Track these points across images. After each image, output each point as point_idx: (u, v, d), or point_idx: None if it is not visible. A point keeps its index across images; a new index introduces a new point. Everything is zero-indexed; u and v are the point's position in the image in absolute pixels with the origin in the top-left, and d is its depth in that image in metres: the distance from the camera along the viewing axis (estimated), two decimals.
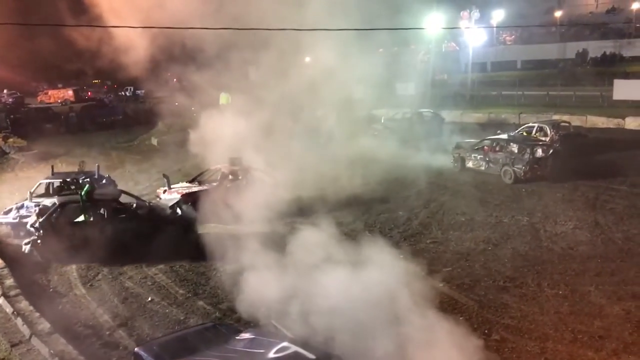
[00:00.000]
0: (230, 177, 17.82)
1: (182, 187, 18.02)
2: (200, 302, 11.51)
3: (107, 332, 10.48)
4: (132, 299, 11.93)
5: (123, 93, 65.12)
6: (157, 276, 13.04)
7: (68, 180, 16.83)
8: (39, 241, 13.89)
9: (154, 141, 32.92)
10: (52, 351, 9.28)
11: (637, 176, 19.52)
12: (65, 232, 14.01)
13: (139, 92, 57.72)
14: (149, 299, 11.82)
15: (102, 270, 13.46)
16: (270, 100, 14.61)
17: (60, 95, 62.92)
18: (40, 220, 14.03)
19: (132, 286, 12.57)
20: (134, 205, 15.51)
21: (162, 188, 18.28)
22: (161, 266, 13.59)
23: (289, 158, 18.30)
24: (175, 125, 31.78)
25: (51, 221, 14.05)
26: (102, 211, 14.69)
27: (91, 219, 14.36)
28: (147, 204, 16.20)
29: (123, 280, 12.91)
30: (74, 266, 13.79)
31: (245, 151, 16.99)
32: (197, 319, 10.74)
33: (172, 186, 18.04)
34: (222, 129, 16.25)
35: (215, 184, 17.78)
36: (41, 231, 13.87)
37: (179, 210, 15.59)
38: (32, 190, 16.91)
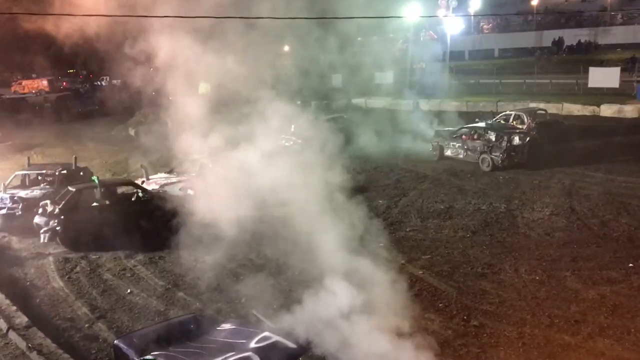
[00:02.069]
0: (209, 167, 17.69)
1: (161, 178, 17.88)
2: (181, 293, 11.46)
3: (86, 325, 10.38)
4: (111, 291, 11.83)
5: (99, 83, 64.15)
6: (137, 268, 12.94)
7: (64, 171, 16.93)
8: (58, 228, 13.86)
9: (131, 131, 32.57)
10: (30, 345, 9.19)
11: (612, 163, 19.86)
12: (84, 217, 14.02)
13: (115, 81, 56.93)
14: (128, 290, 11.74)
15: (80, 263, 13.34)
16: (246, 90, 14.47)
17: (35, 85, 61.68)
18: (60, 206, 14.03)
19: (110, 278, 12.46)
20: (140, 190, 15.59)
21: (140, 179, 18.10)
22: (140, 257, 13.51)
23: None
24: (152, 115, 31.46)
25: (70, 207, 14.07)
26: (115, 195, 15.07)
27: (107, 202, 14.37)
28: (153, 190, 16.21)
29: (101, 273, 12.79)
30: (51, 258, 13.66)
31: (218, 141, 16.91)
32: (177, 310, 10.69)
33: (150, 177, 17.89)
34: (197, 119, 16.12)
35: (193, 174, 17.65)
36: (62, 217, 13.85)
37: (190, 191, 15.54)
38: (6, 183, 16.70)
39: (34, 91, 59.18)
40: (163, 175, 18.25)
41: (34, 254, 14.08)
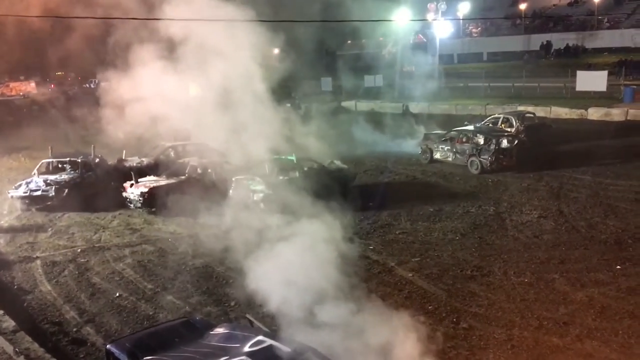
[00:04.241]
0: (199, 170, 17.70)
1: (150, 181, 17.81)
2: (170, 297, 11.39)
3: (74, 329, 10.30)
4: (100, 294, 11.73)
5: (87, 85, 63.73)
6: (125, 271, 12.87)
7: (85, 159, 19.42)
8: (270, 193, 16.00)
9: (120, 134, 32.34)
10: (17, 349, 9.09)
11: (599, 166, 20.00)
12: (284, 187, 15.60)
13: (103, 84, 56.46)
14: (117, 294, 11.66)
15: (69, 266, 13.25)
16: (236, 93, 14.46)
17: (22, 87, 61.30)
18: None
19: (99, 282, 12.37)
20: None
21: (129, 182, 18.04)
22: (129, 261, 13.44)
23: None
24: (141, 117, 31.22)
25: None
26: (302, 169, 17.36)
27: (297, 174, 16.75)
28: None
29: (90, 276, 12.69)
30: (38, 262, 13.55)
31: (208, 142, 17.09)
32: (166, 313, 10.63)
33: (139, 179, 17.83)
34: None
35: (183, 177, 17.64)
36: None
37: (341, 164, 18.68)
38: (37, 169, 19.07)
39: (21, 93, 58.73)
40: (153, 177, 18.19)
41: (22, 258, 13.96)
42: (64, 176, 18.75)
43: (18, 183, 18.63)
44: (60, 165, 19.69)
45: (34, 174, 18.77)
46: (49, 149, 20.63)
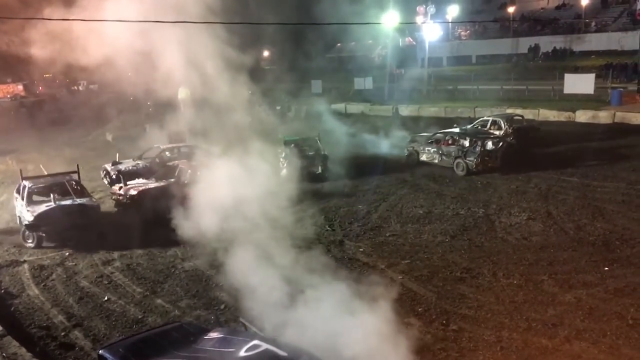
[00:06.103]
0: (188, 172, 17.62)
1: (139, 184, 17.73)
2: (159, 301, 11.34)
3: (62, 333, 10.22)
4: (88, 298, 11.66)
5: (76, 87, 63.36)
6: (114, 275, 12.79)
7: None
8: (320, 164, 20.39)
9: (109, 137, 32.24)
10: (4, 354, 9.01)
11: (587, 167, 20.14)
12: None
13: (92, 86, 56.32)
14: (106, 298, 11.59)
15: (56, 270, 13.15)
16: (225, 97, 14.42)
17: (10, 90, 60.82)
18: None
19: (87, 285, 12.29)
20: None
21: (118, 185, 17.96)
22: (117, 264, 13.36)
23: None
24: (131, 120, 31.25)
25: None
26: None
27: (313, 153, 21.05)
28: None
29: (78, 280, 12.61)
30: (26, 266, 13.45)
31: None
32: (155, 317, 10.58)
33: (128, 182, 17.75)
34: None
35: (172, 179, 17.56)
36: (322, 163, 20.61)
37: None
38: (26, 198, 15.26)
39: (9, 96, 58.28)
40: (142, 180, 18.13)
41: (9, 262, 13.85)
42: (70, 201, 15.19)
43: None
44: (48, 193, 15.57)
45: (22, 201, 15.38)
46: (19, 172, 17.11)
